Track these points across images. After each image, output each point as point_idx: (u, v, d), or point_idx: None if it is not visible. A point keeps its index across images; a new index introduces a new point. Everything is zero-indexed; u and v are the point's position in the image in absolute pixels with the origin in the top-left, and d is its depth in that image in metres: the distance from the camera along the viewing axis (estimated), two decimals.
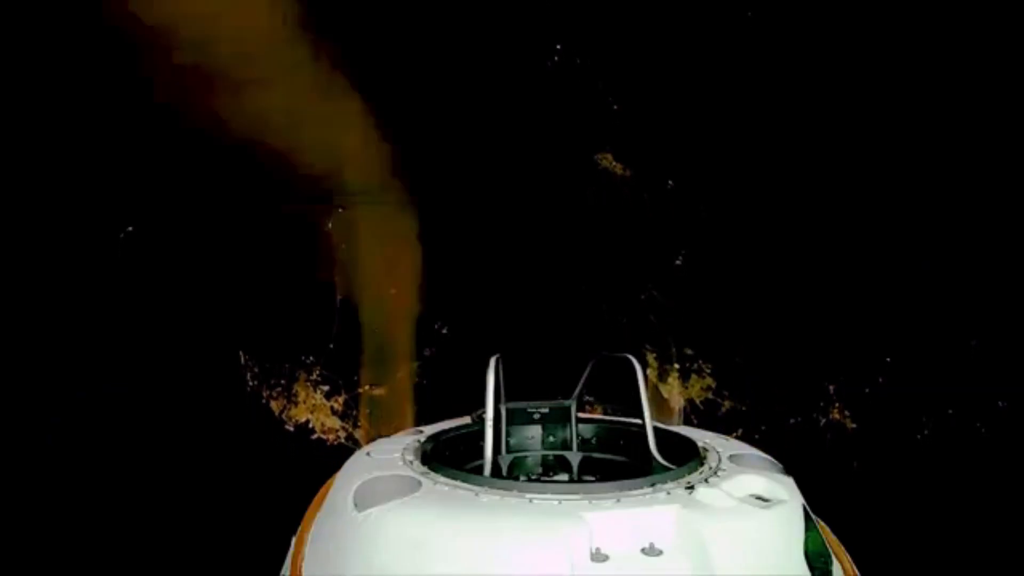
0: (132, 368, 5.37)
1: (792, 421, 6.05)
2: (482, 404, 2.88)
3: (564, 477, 3.45)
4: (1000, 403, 5.83)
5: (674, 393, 6.00)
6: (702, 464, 2.71)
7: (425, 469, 2.63)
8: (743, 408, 6.05)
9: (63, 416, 5.20)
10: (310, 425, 5.71)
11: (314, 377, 5.73)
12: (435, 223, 5.86)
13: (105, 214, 5.42)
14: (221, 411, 5.55)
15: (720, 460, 2.76)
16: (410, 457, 2.77)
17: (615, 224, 6.12)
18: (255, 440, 5.58)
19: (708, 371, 6.06)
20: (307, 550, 2.60)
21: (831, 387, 6.04)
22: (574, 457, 3.46)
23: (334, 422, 5.73)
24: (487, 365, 2.92)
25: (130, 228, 5.27)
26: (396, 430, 5.55)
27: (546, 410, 3.46)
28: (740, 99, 5.99)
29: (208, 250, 5.56)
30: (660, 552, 2.16)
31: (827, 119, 5.98)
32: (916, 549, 5.39)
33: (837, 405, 6.04)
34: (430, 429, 3.30)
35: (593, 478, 3.36)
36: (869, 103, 5.96)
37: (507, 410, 3.32)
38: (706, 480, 2.52)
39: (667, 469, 2.74)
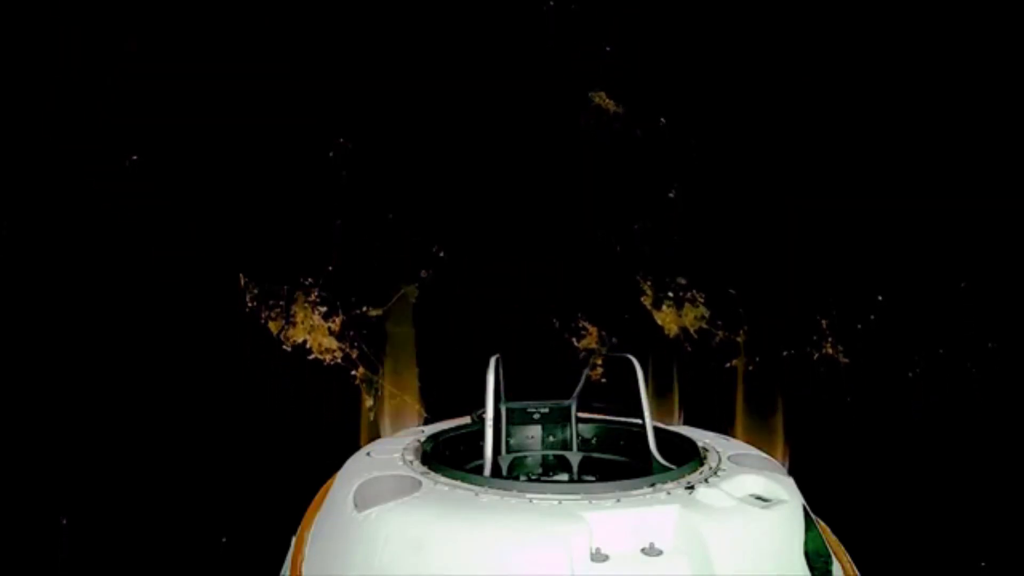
0: (132, 294, 5.44)
1: (785, 353, 6.11)
2: (482, 404, 2.89)
3: (564, 477, 3.45)
4: (989, 344, 5.92)
5: (668, 321, 6.07)
6: (702, 464, 2.71)
7: (425, 469, 2.64)
8: (737, 339, 6.12)
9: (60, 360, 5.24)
10: (307, 345, 5.77)
11: (312, 299, 5.79)
12: (431, 154, 5.93)
13: (110, 143, 5.48)
14: (220, 333, 5.61)
15: (720, 460, 2.77)
16: (410, 457, 2.77)
17: (608, 157, 6.21)
18: (255, 373, 5.63)
19: (701, 300, 6.13)
20: (307, 550, 2.60)
21: (824, 322, 6.11)
22: (574, 457, 3.46)
23: (331, 342, 5.80)
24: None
25: (135, 157, 5.30)
26: (395, 354, 5.71)
27: (546, 410, 3.46)
28: (730, 41, 6.10)
29: (208, 174, 5.63)
30: (660, 552, 2.16)
31: (820, 52, 6.06)
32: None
33: (830, 340, 6.11)
34: (430, 429, 3.31)
35: (593, 478, 3.36)
36: (864, 36, 6.03)
37: (507, 410, 3.32)
38: (706, 480, 2.52)
39: (667, 469, 2.74)
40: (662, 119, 6.19)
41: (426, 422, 5.63)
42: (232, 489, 5.37)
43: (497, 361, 3.01)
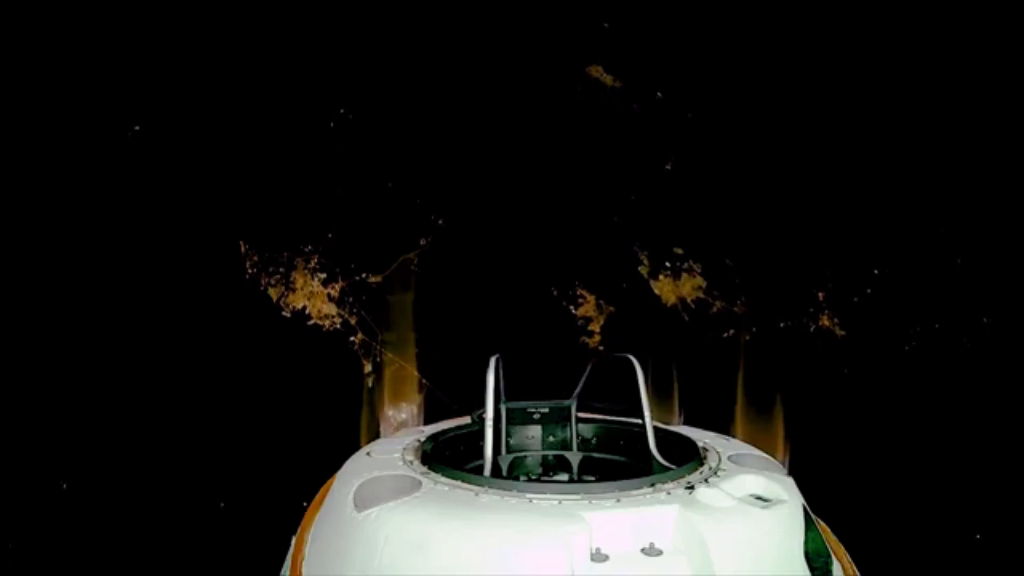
0: (133, 260, 5.47)
1: (782, 325, 6.14)
2: (482, 404, 2.89)
3: (564, 477, 3.45)
4: (984, 319, 5.97)
5: (666, 291, 6.10)
6: (702, 464, 2.71)
7: (425, 469, 2.64)
8: (734, 309, 6.14)
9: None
10: (307, 311, 5.82)
11: (312, 265, 5.85)
12: (431, 125, 5.97)
13: (113, 113, 5.52)
14: (220, 302, 5.65)
15: (720, 460, 2.77)
16: (410, 457, 2.77)
17: (606, 130, 6.25)
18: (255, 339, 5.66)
19: (698, 271, 6.17)
20: (307, 550, 2.60)
21: (820, 294, 6.15)
22: (574, 457, 3.46)
23: (331, 308, 5.86)
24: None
25: (137, 127, 5.32)
26: (394, 320, 5.76)
27: (546, 410, 3.46)
28: (726, 16, 6.13)
29: (210, 143, 5.66)
30: (660, 552, 2.16)
31: (818, 23, 6.06)
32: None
33: (827, 312, 6.14)
34: (430, 429, 3.31)
35: (593, 478, 3.36)
36: (861, 9, 6.05)
37: (507, 410, 3.32)
38: (706, 480, 2.52)
39: (667, 469, 2.74)
40: (659, 93, 6.21)
41: (425, 390, 5.67)
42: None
43: (497, 361, 3.00)
